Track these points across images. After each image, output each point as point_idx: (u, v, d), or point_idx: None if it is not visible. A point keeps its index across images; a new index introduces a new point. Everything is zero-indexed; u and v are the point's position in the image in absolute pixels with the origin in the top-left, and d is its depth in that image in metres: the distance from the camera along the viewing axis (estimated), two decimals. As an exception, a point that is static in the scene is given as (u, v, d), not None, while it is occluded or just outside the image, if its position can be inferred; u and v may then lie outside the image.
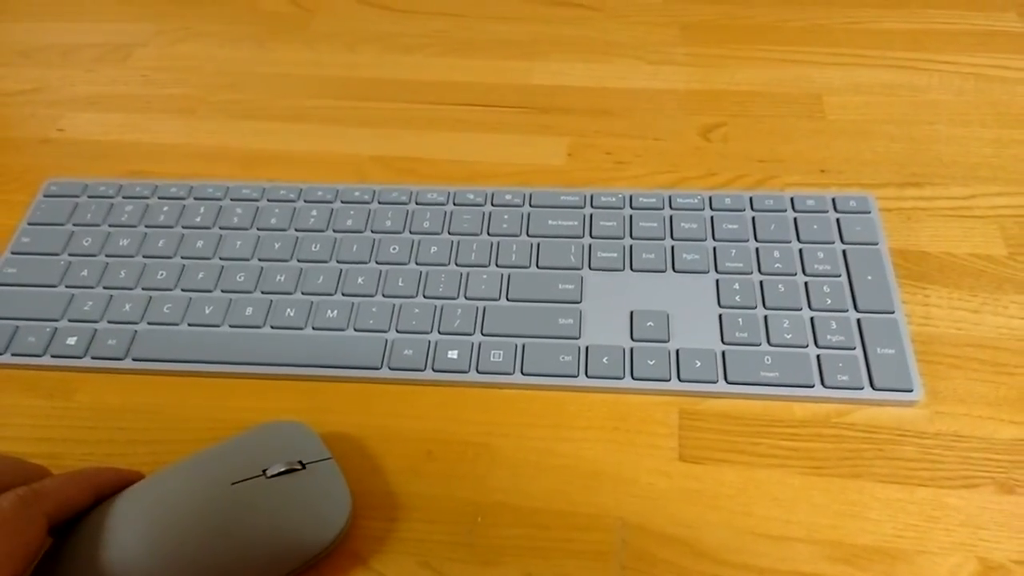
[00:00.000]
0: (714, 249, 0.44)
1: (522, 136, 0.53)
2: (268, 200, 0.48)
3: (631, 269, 0.43)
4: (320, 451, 0.35)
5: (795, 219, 0.45)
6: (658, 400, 0.39)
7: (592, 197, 0.47)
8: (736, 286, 0.42)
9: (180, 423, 0.40)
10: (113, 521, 0.31)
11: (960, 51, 0.56)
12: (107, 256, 0.46)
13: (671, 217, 0.45)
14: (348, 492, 0.34)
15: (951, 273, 0.43)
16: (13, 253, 0.47)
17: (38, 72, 0.62)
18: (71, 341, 0.42)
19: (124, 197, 0.49)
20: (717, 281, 0.42)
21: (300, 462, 0.34)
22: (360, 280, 0.44)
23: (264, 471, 0.33)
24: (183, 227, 0.47)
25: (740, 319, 0.40)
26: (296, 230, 0.47)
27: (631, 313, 0.41)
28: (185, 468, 0.34)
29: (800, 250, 0.43)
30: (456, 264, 0.44)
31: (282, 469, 0.33)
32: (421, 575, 0.34)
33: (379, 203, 0.48)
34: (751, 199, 0.46)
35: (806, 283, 0.42)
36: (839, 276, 0.42)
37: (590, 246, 0.44)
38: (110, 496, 0.33)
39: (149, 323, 0.43)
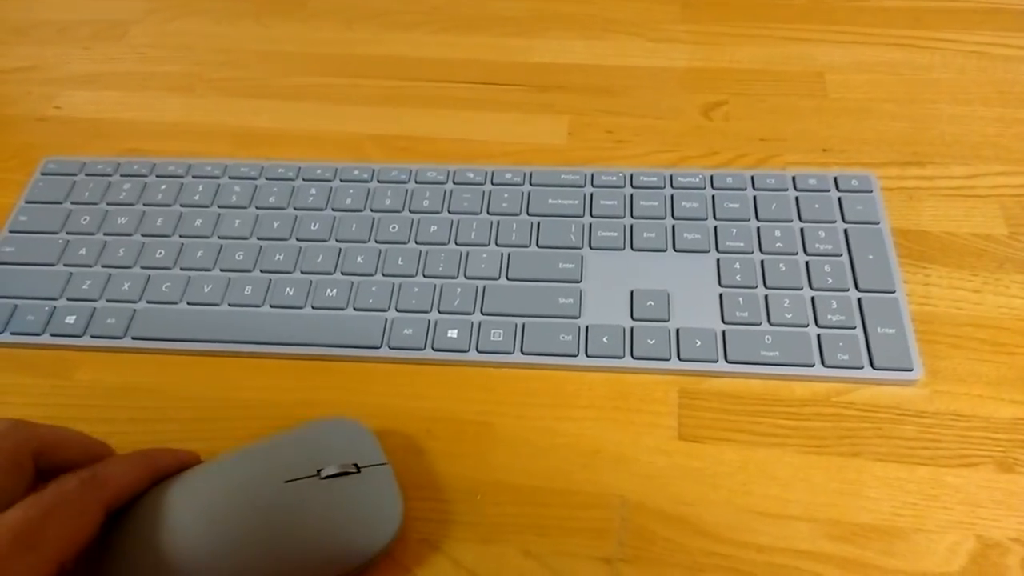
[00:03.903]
0: (715, 228, 0.44)
1: (522, 114, 0.53)
2: (267, 179, 0.48)
3: (631, 248, 0.43)
4: (376, 455, 0.34)
5: (796, 198, 0.44)
6: (658, 379, 0.39)
7: (593, 176, 0.47)
8: (737, 265, 0.42)
9: (179, 402, 0.40)
10: (167, 508, 0.31)
11: (962, 29, 0.56)
12: (105, 234, 0.46)
13: (672, 196, 0.45)
14: (401, 501, 0.33)
15: (952, 252, 0.43)
16: (11, 232, 0.46)
17: (33, 50, 0.61)
18: (70, 320, 0.42)
19: (122, 175, 0.49)
20: (718, 260, 0.42)
21: (355, 465, 0.33)
22: (359, 259, 0.43)
23: (319, 471, 0.32)
24: (181, 205, 0.47)
25: (740, 298, 0.40)
26: (295, 209, 0.46)
27: (631, 292, 0.41)
28: (240, 460, 0.34)
29: (801, 229, 0.43)
30: (456, 243, 0.44)
31: (336, 471, 0.32)
32: (421, 552, 0.34)
33: (378, 182, 0.47)
34: (752, 178, 0.46)
35: (807, 262, 0.42)
36: (840, 255, 0.42)
37: (590, 225, 0.44)
38: (165, 479, 0.33)
39: (148, 302, 0.43)
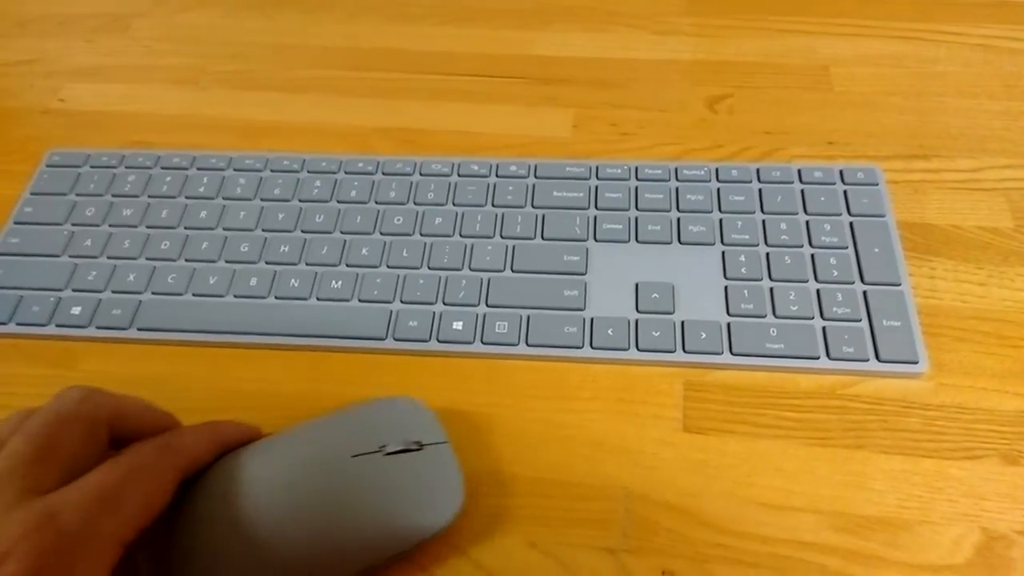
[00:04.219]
0: (720, 221, 0.43)
1: (526, 107, 0.53)
2: (271, 171, 0.48)
3: (636, 241, 0.43)
4: (437, 433, 0.34)
5: (802, 191, 0.44)
6: (663, 371, 0.39)
7: (597, 168, 0.46)
8: (742, 258, 0.42)
9: (185, 393, 0.40)
10: (238, 479, 0.32)
11: (968, 22, 0.56)
12: (110, 226, 0.46)
13: (677, 189, 0.45)
14: (462, 478, 0.33)
15: (958, 246, 0.43)
16: (16, 223, 0.46)
17: (36, 42, 0.61)
18: (75, 311, 0.42)
19: (127, 167, 0.49)
20: (723, 253, 0.42)
21: (418, 442, 0.33)
22: (364, 251, 0.43)
23: (382, 447, 0.33)
24: (186, 197, 0.47)
25: (746, 291, 0.40)
26: (300, 201, 0.46)
27: (636, 285, 0.41)
28: (305, 433, 0.34)
29: (807, 222, 0.43)
30: (461, 235, 0.44)
31: (399, 448, 0.33)
32: (425, 542, 0.34)
33: (383, 174, 0.47)
34: (758, 171, 0.45)
35: (812, 255, 0.41)
36: (846, 248, 0.42)
37: (595, 217, 0.44)
38: (230, 450, 0.34)
39: (153, 293, 0.43)
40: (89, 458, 0.28)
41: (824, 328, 0.39)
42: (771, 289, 0.40)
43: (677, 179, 0.46)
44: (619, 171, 0.46)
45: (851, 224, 0.43)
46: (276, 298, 0.42)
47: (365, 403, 0.36)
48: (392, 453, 0.33)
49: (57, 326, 0.42)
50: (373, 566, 0.32)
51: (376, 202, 0.46)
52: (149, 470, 0.29)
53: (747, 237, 0.43)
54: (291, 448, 0.33)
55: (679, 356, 0.39)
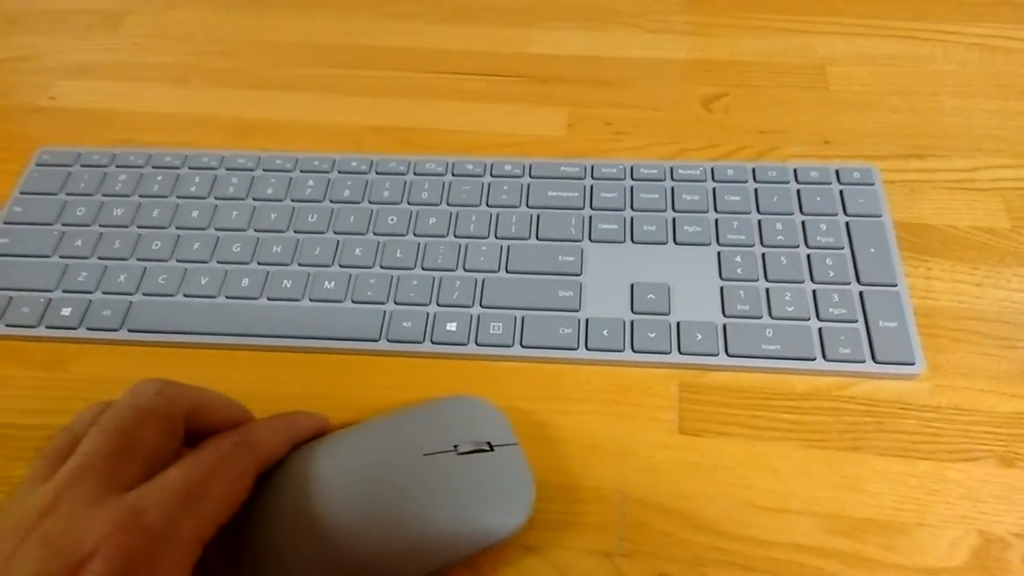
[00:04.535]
0: (716, 221, 0.43)
1: (521, 106, 0.52)
2: (264, 170, 0.48)
3: (632, 241, 0.43)
4: (508, 435, 0.34)
5: (798, 191, 0.44)
6: (658, 373, 0.39)
7: (592, 168, 0.46)
8: (738, 258, 0.41)
9: (177, 395, 0.39)
10: (307, 477, 0.31)
11: (964, 21, 0.56)
12: (101, 226, 0.45)
13: (672, 188, 0.45)
14: (532, 482, 0.33)
15: (954, 246, 0.42)
16: (5, 223, 0.46)
17: (27, 39, 0.61)
18: (65, 312, 0.42)
19: (117, 166, 0.48)
20: (719, 253, 0.42)
21: (489, 443, 0.33)
22: (358, 251, 0.43)
23: (455, 447, 0.32)
24: (178, 197, 0.46)
25: (741, 291, 0.40)
26: (292, 200, 0.46)
27: (631, 285, 0.41)
28: (376, 429, 0.34)
29: (803, 222, 0.43)
30: (455, 235, 0.44)
31: (471, 448, 0.32)
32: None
33: (376, 173, 0.47)
34: (753, 170, 0.45)
35: (808, 255, 0.41)
36: (842, 248, 0.41)
37: (590, 218, 0.44)
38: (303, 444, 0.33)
39: (144, 294, 0.42)
40: (167, 453, 0.28)
41: (820, 329, 0.39)
42: (767, 290, 0.40)
43: (672, 179, 0.45)
44: (614, 171, 0.46)
45: (847, 224, 0.42)
46: (268, 299, 0.42)
47: (435, 401, 0.36)
48: (464, 453, 0.32)
49: (47, 327, 0.41)
50: (442, 568, 0.31)
51: (369, 202, 0.46)
52: (229, 467, 0.29)
53: (743, 237, 0.42)
54: (363, 445, 0.33)
55: (675, 357, 0.38)
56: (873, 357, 0.38)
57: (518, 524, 0.31)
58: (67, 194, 0.47)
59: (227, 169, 0.48)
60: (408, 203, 0.45)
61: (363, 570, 0.30)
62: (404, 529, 0.30)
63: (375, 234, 0.44)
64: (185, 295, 0.42)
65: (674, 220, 0.43)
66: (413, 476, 0.32)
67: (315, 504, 0.31)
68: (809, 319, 0.39)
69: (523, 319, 0.40)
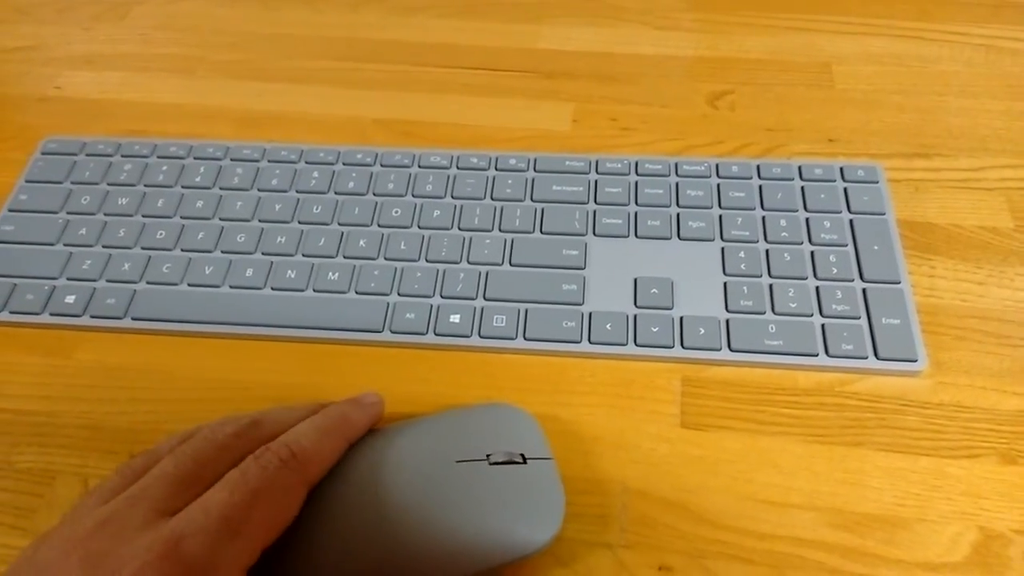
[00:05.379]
0: (720, 217, 0.43)
1: (527, 101, 0.52)
2: (269, 161, 0.48)
3: (636, 236, 0.43)
4: (542, 449, 0.33)
5: (802, 188, 0.44)
6: (661, 367, 0.39)
7: (597, 163, 0.46)
8: (741, 254, 0.41)
9: (180, 383, 0.39)
10: (345, 483, 0.31)
11: (970, 21, 0.56)
12: (106, 215, 0.45)
13: (677, 184, 0.45)
14: (563, 498, 0.32)
15: (957, 245, 0.42)
16: (11, 211, 0.46)
17: (34, 29, 0.61)
18: (70, 299, 0.42)
19: (123, 156, 0.48)
20: (722, 249, 0.42)
21: (522, 455, 0.32)
22: (362, 243, 0.43)
23: (488, 456, 0.32)
24: (183, 187, 0.47)
25: (745, 287, 0.40)
26: (297, 191, 0.46)
27: (635, 280, 0.41)
28: (413, 433, 0.33)
29: (807, 219, 0.43)
30: (459, 228, 0.44)
31: (504, 459, 0.32)
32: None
33: (381, 166, 0.47)
34: (758, 167, 0.45)
35: (812, 252, 0.41)
36: (845, 246, 0.42)
37: (595, 212, 0.44)
38: None
39: (148, 282, 0.42)
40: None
41: (823, 325, 0.39)
42: (770, 286, 0.40)
43: (677, 174, 0.45)
44: (619, 165, 0.46)
45: (851, 222, 0.43)
46: (272, 289, 0.42)
47: (471, 407, 0.35)
48: (497, 464, 0.32)
49: (51, 315, 0.41)
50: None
51: (374, 194, 0.46)
52: (276, 488, 0.27)
53: (747, 233, 0.42)
54: (397, 449, 0.33)
55: (677, 352, 0.38)
56: (876, 354, 0.38)
57: (545, 540, 0.31)
58: (72, 183, 0.47)
59: (232, 160, 0.48)
60: (413, 195, 0.45)
61: (385, 572, 0.30)
62: (428, 536, 0.30)
63: (379, 226, 0.44)
64: (189, 284, 0.42)
65: (678, 215, 0.44)
66: (443, 482, 0.31)
67: (341, 507, 0.30)
68: (812, 315, 0.39)
69: (527, 312, 0.40)
